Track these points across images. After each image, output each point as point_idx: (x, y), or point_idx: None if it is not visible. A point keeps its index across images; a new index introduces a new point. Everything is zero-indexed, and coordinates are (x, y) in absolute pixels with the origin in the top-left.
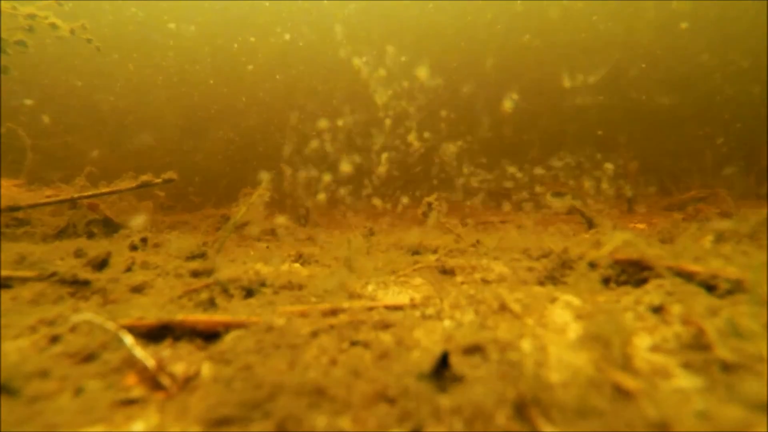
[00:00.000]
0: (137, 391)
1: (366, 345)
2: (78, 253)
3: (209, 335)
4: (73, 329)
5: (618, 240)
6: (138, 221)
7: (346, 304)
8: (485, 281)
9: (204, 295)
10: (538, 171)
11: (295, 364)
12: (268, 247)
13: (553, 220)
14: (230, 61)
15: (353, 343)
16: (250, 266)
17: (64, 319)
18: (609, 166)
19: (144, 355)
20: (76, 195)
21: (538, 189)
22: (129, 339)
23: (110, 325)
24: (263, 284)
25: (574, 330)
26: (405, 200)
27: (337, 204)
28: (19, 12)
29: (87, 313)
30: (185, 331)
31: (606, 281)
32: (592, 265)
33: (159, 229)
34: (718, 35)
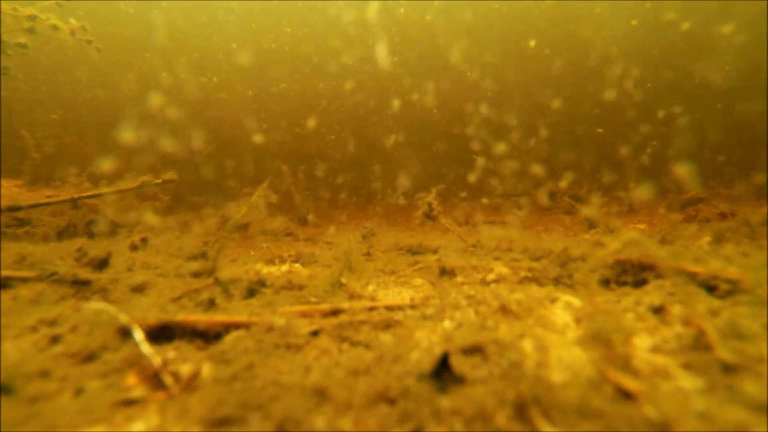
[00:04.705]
0: (137, 392)
1: (366, 345)
2: (78, 253)
3: (209, 335)
4: (74, 329)
5: (624, 239)
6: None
7: (346, 305)
8: (485, 282)
9: (204, 296)
10: (539, 171)
11: (295, 365)
12: (268, 247)
13: (553, 221)
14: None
15: (354, 344)
16: (250, 266)
17: (64, 319)
18: (609, 165)
19: (150, 352)
20: (76, 195)
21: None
22: (139, 333)
23: (123, 318)
24: (263, 284)
25: (575, 330)
26: (406, 200)
27: (337, 204)
28: (20, 13)
29: (99, 303)
30: (186, 331)
31: (606, 282)
32: (596, 266)
33: (160, 229)
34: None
